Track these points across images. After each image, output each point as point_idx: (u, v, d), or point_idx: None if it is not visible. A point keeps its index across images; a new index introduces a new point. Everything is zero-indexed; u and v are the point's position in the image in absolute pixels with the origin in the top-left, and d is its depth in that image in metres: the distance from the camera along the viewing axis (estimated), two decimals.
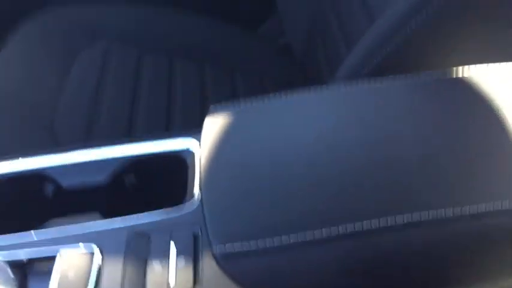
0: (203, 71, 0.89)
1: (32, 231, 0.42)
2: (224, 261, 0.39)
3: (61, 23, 0.87)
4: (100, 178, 0.47)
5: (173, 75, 0.86)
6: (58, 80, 0.79)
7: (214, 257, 0.40)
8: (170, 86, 0.84)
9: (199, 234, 0.41)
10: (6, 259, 0.41)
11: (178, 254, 0.39)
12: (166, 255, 0.39)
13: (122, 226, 0.42)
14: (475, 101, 0.48)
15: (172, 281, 0.38)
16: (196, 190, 0.44)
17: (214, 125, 0.47)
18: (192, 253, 0.40)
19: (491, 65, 0.52)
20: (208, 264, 0.40)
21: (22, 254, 0.41)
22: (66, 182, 0.47)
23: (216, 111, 0.48)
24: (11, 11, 0.91)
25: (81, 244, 0.41)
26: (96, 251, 0.40)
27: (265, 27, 1.10)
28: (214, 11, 1.02)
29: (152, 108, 0.80)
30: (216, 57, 0.94)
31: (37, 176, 0.48)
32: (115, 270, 0.39)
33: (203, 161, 0.44)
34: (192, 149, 0.48)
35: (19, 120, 0.74)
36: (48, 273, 0.39)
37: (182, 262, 0.39)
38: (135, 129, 0.76)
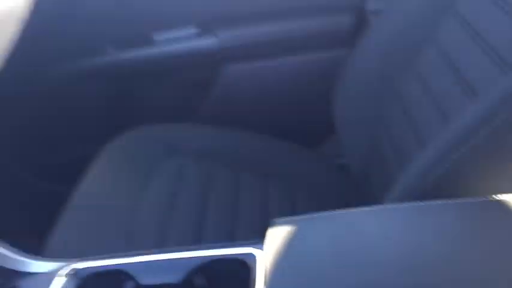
0: (266, 185, 0.97)
1: None
2: None
3: (145, 140, 1.00)
4: (174, 278, 0.53)
5: (239, 189, 0.95)
6: (138, 190, 0.89)
7: None
8: (236, 198, 0.92)
9: None
10: None
11: None
12: None
13: None
14: None
15: None
16: None
17: (276, 235, 0.53)
18: None
19: None
20: None
21: None
22: (144, 280, 0.54)
23: (277, 224, 0.55)
24: (111, 128, 1.06)
25: None
26: None
27: (324, 146, 1.19)
28: (278, 129, 1.13)
29: (219, 218, 0.88)
30: (278, 173, 1.02)
31: (118, 274, 0.55)
32: None
33: (267, 265, 0.50)
34: (255, 254, 0.54)
35: (101, 225, 0.83)
36: None
37: None
38: (204, 236, 0.83)
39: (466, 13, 0.79)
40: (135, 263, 0.55)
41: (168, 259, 0.55)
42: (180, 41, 1.12)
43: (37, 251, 0.66)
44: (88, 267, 0.56)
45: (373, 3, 1.10)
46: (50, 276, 0.56)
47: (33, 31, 1.00)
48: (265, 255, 0.51)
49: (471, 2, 0.79)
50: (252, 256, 0.53)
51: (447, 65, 0.79)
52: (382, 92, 0.94)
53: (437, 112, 0.78)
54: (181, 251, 0.56)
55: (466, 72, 0.74)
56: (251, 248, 0.55)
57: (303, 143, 1.12)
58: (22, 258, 0.62)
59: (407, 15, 0.91)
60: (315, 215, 0.57)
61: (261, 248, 0.53)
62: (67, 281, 0.54)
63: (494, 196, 0.57)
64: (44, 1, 1.00)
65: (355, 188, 1.01)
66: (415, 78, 0.87)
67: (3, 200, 0.99)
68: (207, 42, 1.12)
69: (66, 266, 0.56)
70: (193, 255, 0.55)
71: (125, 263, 0.55)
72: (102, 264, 0.56)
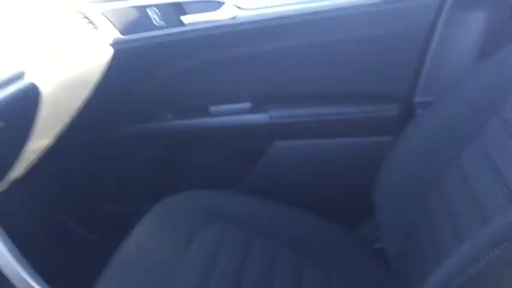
0: (302, 262, 0.99)
1: None
2: None
3: (190, 205, 1.05)
4: None
5: (275, 262, 0.97)
6: (179, 254, 0.93)
7: None
8: (271, 274, 0.94)
9: None
10: None
11: None
12: None
13: None
14: None
15: None
16: None
17: None
18: None
19: None
20: None
21: None
22: None
23: None
24: (160, 188, 1.12)
25: None
26: None
27: (363, 229, 1.21)
28: (318, 207, 1.16)
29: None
30: (315, 250, 1.04)
31: None
32: None
33: None
34: None
35: (142, 285, 0.87)
36: None
37: None
38: None
39: (510, 118, 0.82)
40: None
41: None
42: (233, 114, 1.20)
43: None
44: None
45: (421, 95, 1.14)
46: None
47: (102, 94, 1.10)
48: None
49: None
50: None
51: (490, 165, 0.82)
52: (423, 182, 0.96)
53: (477, 209, 0.80)
54: None
55: (507, 174, 0.77)
56: None
57: (342, 223, 1.14)
58: None
59: (454, 112, 0.94)
60: None
61: None
62: None
63: None
64: (115, 67, 1.10)
65: (390, 272, 1.02)
66: (457, 173, 0.89)
67: (54, 250, 1.05)
68: (258, 117, 1.19)
69: None
70: None
71: None
72: None
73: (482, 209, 0.78)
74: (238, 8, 1.10)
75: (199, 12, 1.09)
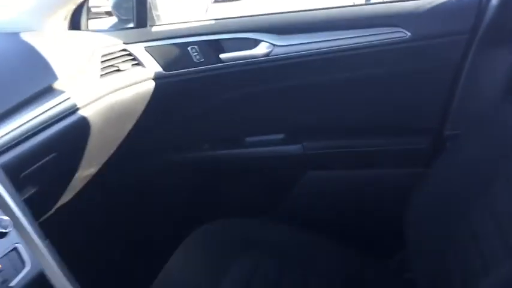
0: None
1: None
2: None
3: (224, 233, 1.10)
4: None
5: None
6: (213, 278, 0.97)
7: None
8: None
9: None
10: None
11: None
12: None
13: None
14: None
15: None
16: None
17: None
18: None
19: None
20: None
21: None
22: None
23: None
24: (191, 220, 1.17)
25: None
26: None
27: (393, 260, 1.23)
28: (349, 237, 1.19)
29: None
30: (345, 281, 1.06)
31: None
32: None
33: None
34: None
35: None
36: None
37: None
38: None
39: None
40: None
41: None
42: (268, 145, 1.25)
43: None
44: None
45: (451, 128, 1.17)
46: None
47: (144, 126, 1.16)
48: None
49: None
50: None
51: None
52: (452, 215, 0.98)
53: (503, 242, 0.82)
54: None
55: None
56: None
57: (373, 254, 1.16)
58: None
59: (483, 147, 0.97)
60: None
61: None
62: None
63: None
64: (156, 101, 1.17)
65: None
66: (485, 207, 0.91)
67: (97, 275, 1.10)
68: (292, 148, 1.23)
69: None
70: None
71: None
72: None
73: (509, 241, 0.80)
74: (273, 45, 1.16)
75: (237, 50, 1.16)
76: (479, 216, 0.92)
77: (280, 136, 1.25)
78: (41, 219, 0.97)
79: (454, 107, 1.15)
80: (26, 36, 1.00)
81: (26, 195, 0.84)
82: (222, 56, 1.17)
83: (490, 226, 0.88)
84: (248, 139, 1.27)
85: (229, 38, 1.17)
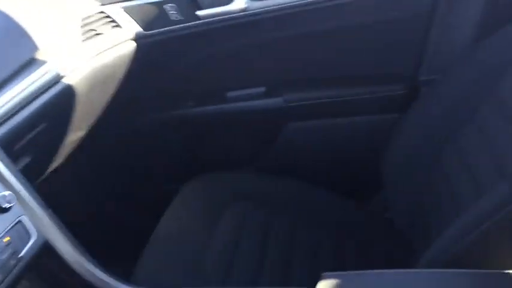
0: (319, 235, 1.09)
1: None
2: None
3: (214, 186, 1.16)
4: None
5: (294, 238, 1.08)
6: (208, 230, 1.04)
7: None
8: (290, 246, 1.05)
9: None
10: None
11: None
12: None
13: None
14: None
15: None
16: None
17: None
18: None
19: None
20: None
21: None
22: None
23: (327, 277, 0.67)
24: (188, 170, 1.22)
25: None
26: None
27: (375, 200, 1.31)
28: (331, 182, 1.25)
29: (275, 264, 1.01)
30: (332, 225, 1.14)
31: None
32: None
33: None
34: None
35: (177, 258, 0.98)
36: None
37: None
38: (261, 277, 0.97)
39: (505, 97, 0.90)
40: None
41: None
42: (250, 99, 1.28)
43: (122, 278, 0.81)
44: None
45: (425, 74, 1.21)
46: None
47: (128, 87, 1.18)
48: None
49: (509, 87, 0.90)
50: None
51: (485, 143, 0.90)
52: (426, 157, 1.04)
53: (474, 184, 0.88)
54: None
55: (499, 151, 0.85)
56: None
57: (354, 196, 1.23)
58: (115, 283, 0.78)
59: (454, 92, 1.01)
60: (362, 272, 0.69)
61: None
62: None
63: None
64: (138, 61, 1.19)
65: (399, 241, 1.11)
66: (455, 151, 0.98)
67: (92, 229, 1.16)
68: (273, 101, 1.27)
69: None
70: None
71: None
72: None
73: (477, 183, 0.87)
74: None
75: (213, 6, 1.17)
76: (450, 159, 0.98)
77: (261, 89, 1.29)
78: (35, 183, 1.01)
79: (427, 52, 1.19)
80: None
81: (20, 167, 0.87)
82: (199, 13, 1.17)
83: (459, 169, 0.94)
84: (230, 94, 1.30)
85: None
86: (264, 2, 1.16)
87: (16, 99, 0.83)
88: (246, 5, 1.16)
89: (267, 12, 1.17)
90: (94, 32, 1.10)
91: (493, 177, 0.82)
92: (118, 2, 1.18)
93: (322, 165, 1.34)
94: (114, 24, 1.16)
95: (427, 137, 1.05)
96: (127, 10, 1.18)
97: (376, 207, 1.29)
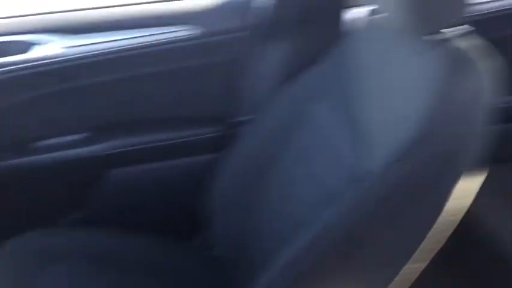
0: (149, 282, 1.07)
1: None
2: None
3: (31, 247, 1.05)
4: None
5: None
6: None
7: None
8: None
9: None
10: None
11: None
12: None
13: None
14: None
15: None
16: None
17: None
18: None
19: None
20: None
21: None
22: None
23: None
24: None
25: None
26: None
27: (198, 239, 1.32)
28: (154, 227, 1.23)
29: None
30: (159, 269, 1.11)
31: None
32: None
33: None
34: None
35: None
36: None
37: None
38: None
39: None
40: None
41: None
42: (66, 147, 1.21)
43: None
44: None
45: (240, 115, 1.29)
46: None
47: None
48: None
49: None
50: None
51: (302, 172, 0.98)
52: (248, 193, 1.10)
53: (296, 215, 0.95)
54: None
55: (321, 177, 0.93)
56: None
57: (179, 237, 1.24)
58: None
59: (259, 137, 1.10)
60: None
61: None
62: None
63: None
64: None
65: (227, 278, 1.14)
66: (277, 178, 1.04)
67: None
68: (91, 149, 1.22)
69: None
70: None
71: None
72: None
73: (303, 216, 0.93)
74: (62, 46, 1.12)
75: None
76: (272, 190, 1.05)
77: (78, 137, 1.23)
78: None
79: (241, 96, 1.27)
80: None
81: None
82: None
83: (281, 202, 1.01)
84: (41, 144, 1.21)
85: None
86: (78, 48, 1.13)
87: None
88: (59, 51, 1.12)
89: (80, 58, 1.14)
90: None
91: (318, 207, 0.87)
92: None
93: (145, 211, 1.32)
94: None
95: (247, 172, 1.11)
96: None
97: (199, 245, 1.30)
